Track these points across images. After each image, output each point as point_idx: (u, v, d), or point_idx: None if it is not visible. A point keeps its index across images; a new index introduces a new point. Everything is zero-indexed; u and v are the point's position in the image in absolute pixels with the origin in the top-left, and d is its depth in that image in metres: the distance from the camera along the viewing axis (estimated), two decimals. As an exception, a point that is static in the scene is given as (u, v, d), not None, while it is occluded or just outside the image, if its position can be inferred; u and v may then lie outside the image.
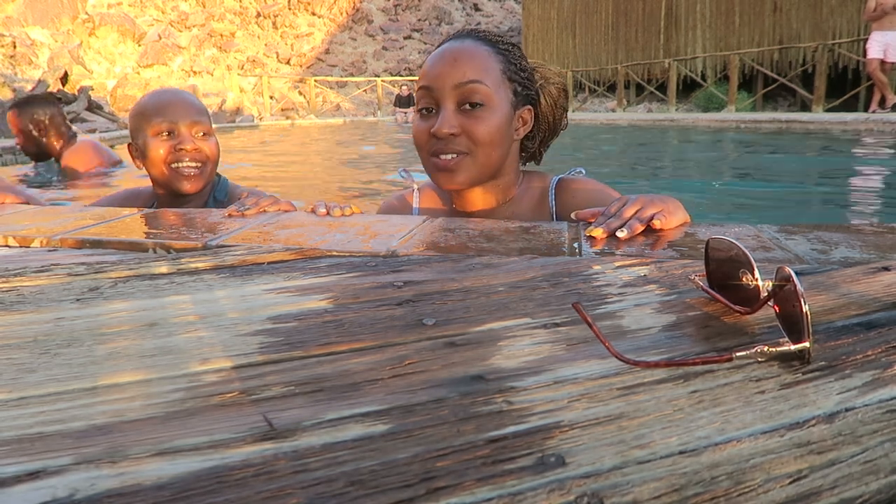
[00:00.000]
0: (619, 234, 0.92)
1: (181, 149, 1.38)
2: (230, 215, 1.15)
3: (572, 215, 1.05)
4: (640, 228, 0.93)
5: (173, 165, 1.40)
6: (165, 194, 1.47)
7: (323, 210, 1.15)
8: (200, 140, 1.42)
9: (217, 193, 1.52)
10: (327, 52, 19.26)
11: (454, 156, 1.05)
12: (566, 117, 1.25)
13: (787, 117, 7.86)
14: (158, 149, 1.38)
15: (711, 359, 0.51)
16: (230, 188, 1.56)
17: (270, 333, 0.60)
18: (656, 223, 0.94)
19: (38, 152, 3.47)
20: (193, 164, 1.40)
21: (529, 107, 1.13)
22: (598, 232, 0.93)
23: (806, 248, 0.87)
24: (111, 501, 0.35)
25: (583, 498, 0.35)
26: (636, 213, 0.96)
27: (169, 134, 1.39)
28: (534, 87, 1.14)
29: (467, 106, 1.04)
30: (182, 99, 1.44)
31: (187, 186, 1.41)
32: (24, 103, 3.43)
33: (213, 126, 1.50)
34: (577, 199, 1.16)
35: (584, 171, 1.26)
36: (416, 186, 1.31)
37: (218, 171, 1.55)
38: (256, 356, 0.55)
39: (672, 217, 0.97)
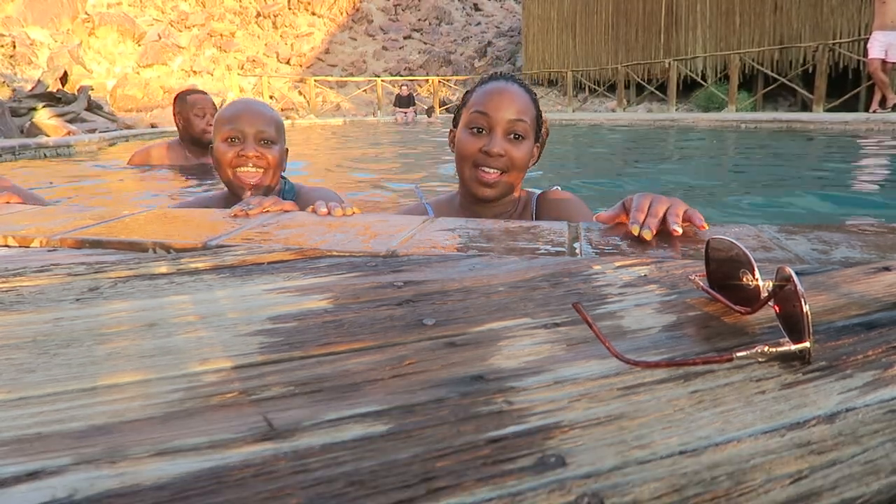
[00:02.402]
0: (674, 229, 0.93)
1: (243, 154, 1.52)
2: (235, 215, 1.18)
3: (594, 218, 1.10)
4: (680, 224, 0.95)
5: (237, 170, 1.54)
6: (235, 197, 1.59)
7: (324, 210, 1.16)
8: (263, 147, 1.54)
9: (285, 195, 1.65)
10: (327, 52, 19.25)
11: (496, 171, 1.32)
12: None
13: (787, 117, 7.86)
14: (226, 153, 1.53)
15: (712, 359, 0.51)
16: (297, 190, 1.69)
17: (270, 333, 0.60)
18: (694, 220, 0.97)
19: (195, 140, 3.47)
20: (254, 170, 1.54)
21: (538, 144, 1.42)
22: (648, 234, 0.91)
23: (806, 248, 0.87)
24: (111, 502, 0.35)
25: (583, 498, 0.35)
26: (666, 210, 0.95)
27: (235, 140, 1.54)
28: (542, 129, 1.42)
29: (512, 136, 1.31)
30: (251, 109, 1.57)
31: (247, 190, 1.54)
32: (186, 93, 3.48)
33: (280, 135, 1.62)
34: (557, 208, 1.42)
35: (559, 187, 1.51)
36: (425, 201, 1.54)
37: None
38: (256, 356, 0.55)
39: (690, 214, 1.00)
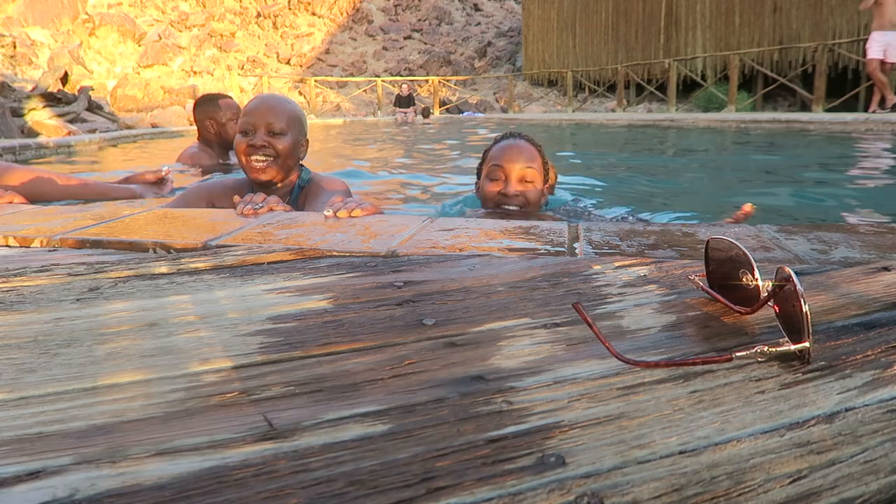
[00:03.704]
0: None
1: (252, 144, 1.68)
2: (245, 214, 1.22)
3: (730, 219, 1.39)
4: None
5: (249, 158, 1.70)
6: (249, 183, 1.77)
7: (329, 213, 1.21)
8: (271, 137, 1.68)
9: (300, 181, 1.80)
10: (327, 52, 19.24)
11: (515, 208, 1.64)
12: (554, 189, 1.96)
13: (787, 117, 7.86)
14: (240, 143, 1.70)
15: (711, 359, 0.51)
16: (311, 178, 1.82)
17: (270, 333, 0.60)
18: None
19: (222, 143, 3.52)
20: (263, 158, 1.68)
21: (547, 183, 1.75)
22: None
23: (806, 248, 0.87)
24: (111, 501, 0.35)
25: (583, 498, 0.35)
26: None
27: (248, 132, 1.70)
28: (548, 171, 1.75)
29: (524, 180, 1.65)
30: (265, 103, 1.73)
31: (257, 176, 1.69)
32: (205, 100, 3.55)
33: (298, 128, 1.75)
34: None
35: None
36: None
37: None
38: (256, 356, 0.55)
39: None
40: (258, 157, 1.69)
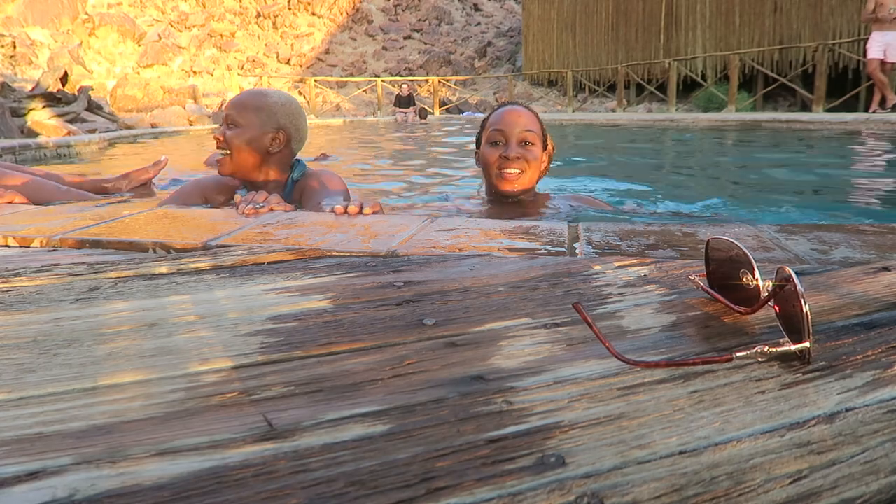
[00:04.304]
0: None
1: (216, 138, 1.70)
2: (245, 214, 1.22)
3: None
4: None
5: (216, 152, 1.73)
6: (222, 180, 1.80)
7: (340, 209, 1.22)
8: (227, 129, 1.68)
9: (294, 174, 1.78)
10: (327, 52, 19.24)
11: (517, 171, 1.64)
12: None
13: (787, 117, 7.85)
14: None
15: (712, 359, 0.51)
16: (305, 172, 1.80)
17: (270, 333, 0.60)
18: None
19: None
20: (220, 151, 1.70)
21: (547, 153, 1.76)
22: None
23: (806, 248, 0.87)
24: (111, 502, 0.35)
25: (583, 498, 0.35)
26: None
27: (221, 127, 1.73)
28: (548, 142, 1.77)
29: (524, 143, 1.65)
30: (234, 99, 1.73)
31: (218, 171, 1.71)
32: None
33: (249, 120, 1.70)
34: (573, 203, 1.82)
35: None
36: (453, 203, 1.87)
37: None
38: (256, 356, 0.55)
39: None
40: (218, 152, 1.70)
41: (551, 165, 1.87)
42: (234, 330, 0.62)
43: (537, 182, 1.75)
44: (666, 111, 11.55)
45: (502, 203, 1.72)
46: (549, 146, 1.80)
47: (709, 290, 0.67)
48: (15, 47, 14.53)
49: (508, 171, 1.64)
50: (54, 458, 0.40)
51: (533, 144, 1.65)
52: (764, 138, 6.41)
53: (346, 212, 1.20)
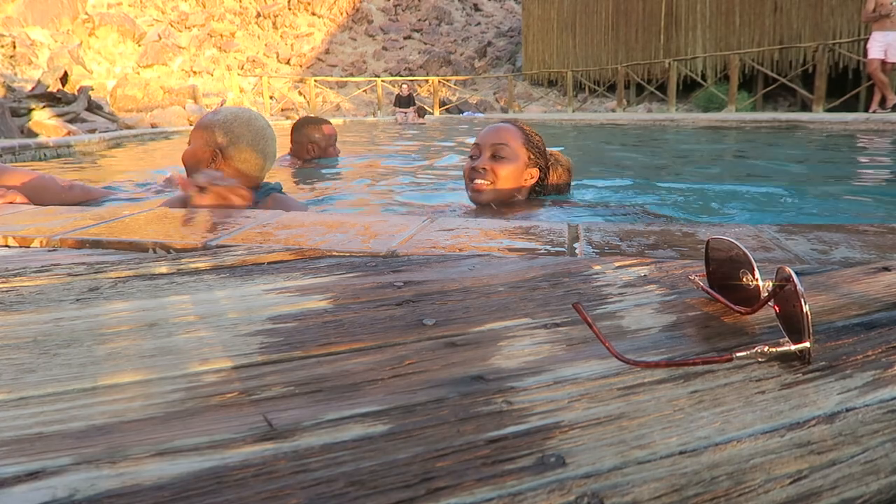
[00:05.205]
0: None
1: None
2: (181, 185, 1.39)
3: None
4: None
5: None
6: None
7: (203, 179, 1.40)
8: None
9: (257, 195, 1.72)
10: (327, 52, 19.23)
11: (484, 182, 1.71)
12: (570, 188, 1.98)
13: (787, 117, 7.85)
14: None
15: (712, 359, 0.51)
16: (274, 196, 1.76)
17: (270, 333, 0.60)
18: None
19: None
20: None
21: (537, 169, 1.78)
22: None
23: (806, 248, 0.87)
24: (111, 502, 0.35)
25: (583, 498, 0.35)
26: None
27: None
28: (543, 160, 1.80)
29: (495, 156, 1.71)
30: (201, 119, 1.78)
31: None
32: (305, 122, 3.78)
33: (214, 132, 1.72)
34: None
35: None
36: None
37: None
38: (256, 356, 0.55)
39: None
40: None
41: (572, 182, 1.96)
42: (233, 330, 0.62)
43: (523, 195, 1.79)
44: (666, 111, 11.55)
45: (485, 211, 1.77)
46: (552, 173, 1.86)
47: (709, 290, 0.67)
48: (15, 47, 14.53)
49: (476, 181, 1.72)
50: (54, 458, 0.40)
51: (505, 160, 1.71)
52: (763, 138, 6.41)
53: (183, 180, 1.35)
